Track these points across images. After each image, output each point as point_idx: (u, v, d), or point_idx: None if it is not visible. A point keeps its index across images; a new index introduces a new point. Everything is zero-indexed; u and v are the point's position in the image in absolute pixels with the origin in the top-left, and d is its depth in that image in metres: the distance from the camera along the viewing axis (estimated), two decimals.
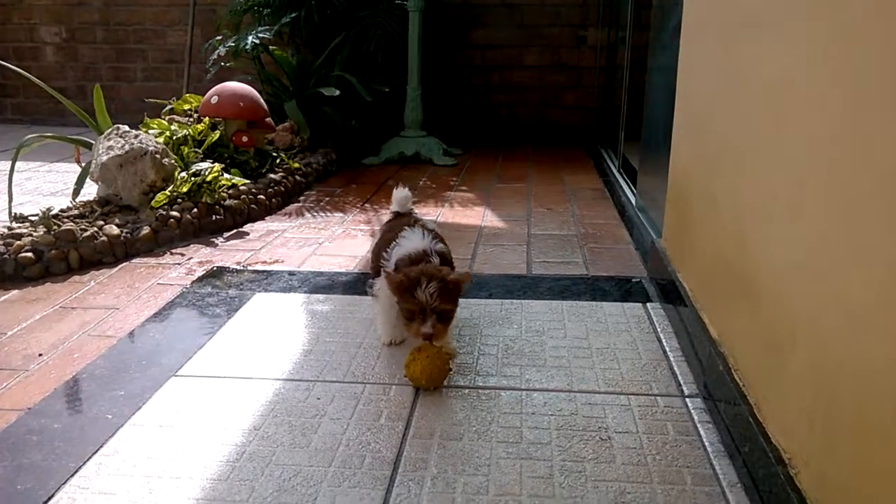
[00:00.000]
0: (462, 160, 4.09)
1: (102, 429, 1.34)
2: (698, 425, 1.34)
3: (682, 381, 1.50)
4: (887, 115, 0.80)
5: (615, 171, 3.61)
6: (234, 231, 2.64)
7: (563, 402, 1.42)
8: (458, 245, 2.40)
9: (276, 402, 1.43)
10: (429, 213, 2.93)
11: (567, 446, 1.27)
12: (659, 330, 1.75)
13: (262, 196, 2.87)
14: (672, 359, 1.60)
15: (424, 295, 1.44)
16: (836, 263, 0.92)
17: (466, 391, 1.47)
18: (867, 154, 0.85)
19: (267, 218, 2.85)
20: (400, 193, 1.86)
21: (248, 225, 2.73)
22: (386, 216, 2.04)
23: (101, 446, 1.28)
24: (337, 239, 2.57)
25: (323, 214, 2.92)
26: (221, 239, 2.55)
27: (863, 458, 0.83)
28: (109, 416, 1.38)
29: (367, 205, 3.07)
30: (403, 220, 1.78)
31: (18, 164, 2.68)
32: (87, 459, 1.24)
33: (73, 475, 1.20)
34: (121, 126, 2.62)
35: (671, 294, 1.79)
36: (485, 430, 1.33)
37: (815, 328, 0.97)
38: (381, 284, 1.61)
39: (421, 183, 3.52)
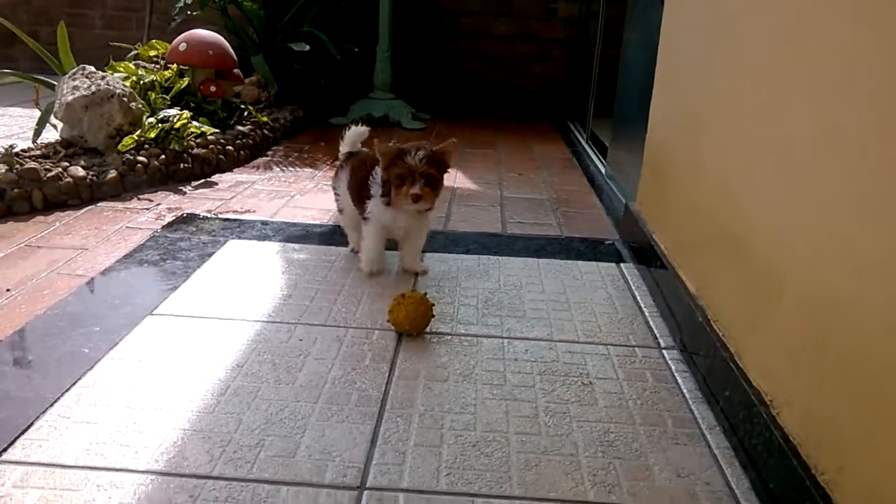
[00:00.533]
0: (430, 125, 4.07)
1: (80, 362, 1.30)
2: (676, 374, 1.38)
3: (658, 335, 1.54)
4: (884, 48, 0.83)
5: (583, 142, 3.65)
6: (203, 181, 2.59)
7: (545, 350, 1.44)
8: None
9: (258, 342, 1.41)
10: None
11: (550, 389, 1.29)
12: (633, 287, 1.78)
13: (230, 147, 2.81)
14: (647, 314, 1.64)
15: (414, 160, 1.59)
16: (828, 209, 0.96)
17: (448, 338, 1.48)
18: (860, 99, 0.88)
19: (235, 170, 2.79)
20: (358, 130, 1.90)
21: (217, 175, 2.68)
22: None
23: (79, 378, 1.25)
24: (309, 193, 2.54)
25: (292, 169, 2.88)
26: (189, 187, 2.49)
27: (852, 392, 0.87)
28: (86, 351, 1.35)
29: (337, 162, 3.03)
30: (362, 155, 1.81)
31: None
32: (66, 391, 1.21)
33: (52, 405, 1.17)
34: (87, 66, 2.53)
35: (645, 254, 1.83)
36: (469, 372, 1.34)
37: (807, 269, 1.00)
38: (372, 207, 1.70)
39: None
